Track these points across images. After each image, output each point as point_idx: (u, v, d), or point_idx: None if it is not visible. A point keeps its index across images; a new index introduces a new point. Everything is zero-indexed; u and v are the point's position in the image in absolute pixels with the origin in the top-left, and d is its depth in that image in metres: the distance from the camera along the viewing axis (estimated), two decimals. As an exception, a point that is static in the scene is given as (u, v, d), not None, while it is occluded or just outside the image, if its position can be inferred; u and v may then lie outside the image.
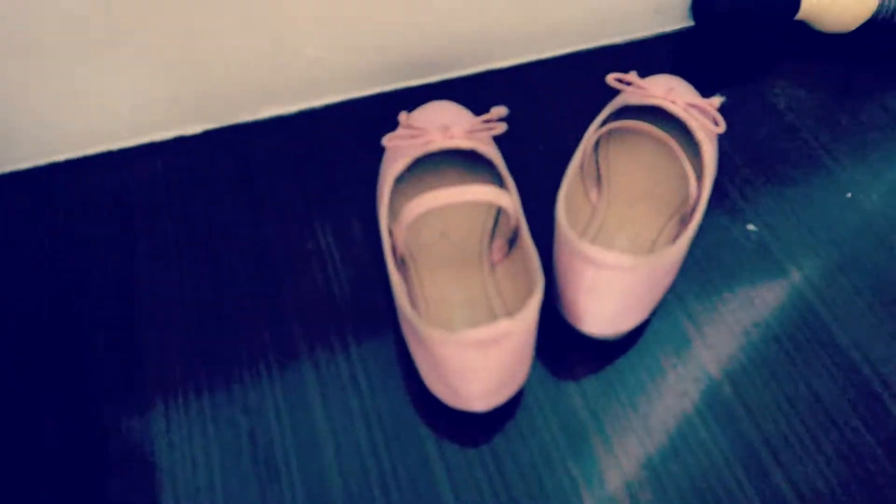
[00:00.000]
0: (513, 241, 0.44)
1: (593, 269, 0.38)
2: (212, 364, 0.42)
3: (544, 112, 0.55)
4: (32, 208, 0.48)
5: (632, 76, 0.49)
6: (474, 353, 0.35)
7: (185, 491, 0.37)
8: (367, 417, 0.40)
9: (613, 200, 0.48)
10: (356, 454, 0.39)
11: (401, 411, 0.40)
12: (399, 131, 0.46)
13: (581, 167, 0.47)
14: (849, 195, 0.51)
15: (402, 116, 0.47)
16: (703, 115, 0.48)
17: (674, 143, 0.45)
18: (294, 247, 0.47)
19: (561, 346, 0.43)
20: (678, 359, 0.43)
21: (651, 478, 0.38)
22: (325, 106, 0.55)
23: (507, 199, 0.40)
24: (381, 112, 0.52)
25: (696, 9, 0.61)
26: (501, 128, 0.46)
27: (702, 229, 0.48)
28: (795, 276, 0.47)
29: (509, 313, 0.42)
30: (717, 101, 0.49)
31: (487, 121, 0.47)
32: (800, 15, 0.60)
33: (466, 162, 0.49)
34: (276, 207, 0.49)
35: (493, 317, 0.42)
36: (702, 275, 0.46)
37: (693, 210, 0.44)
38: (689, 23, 0.62)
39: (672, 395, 0.41)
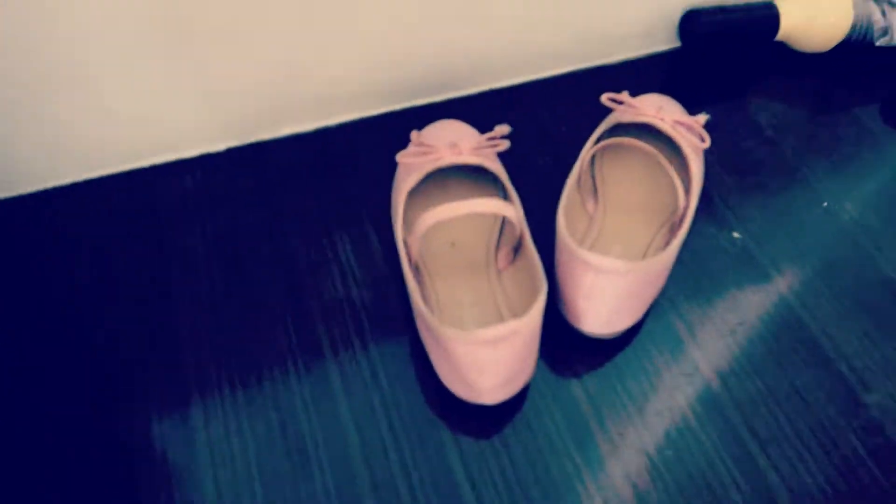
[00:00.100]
0: (517, 248, 0.48)
1: (592, 274, 0.42)
2: (244, 364, 0.45)
3: (543, 129, 0.59)
4: (75, 221, 0.52)
5: (624, 95, 0.53)
6: (486, 350, 0.39)
7: (225, 478, 0.41)
8: (387, 410, 0.44)
9: (609, 211, 0.52)
10: (379, 443, 0.42)
11: (418, 405, 0.44)
12: (410, 148, 0.50)
13: (578, 180, 0.51)
14: (825, 205, 0.55)
15: (414, 135, 0.51)
16: (689, 131, 0.52)
17: (663, 158, 0.49)
18: (315, 256, 0.51)
19: (563, 344, 0.47)
20: (670, 356, 0.47)
21: (647, 463, 0.42)
22: (339, 124, 0.59)
23: (512, 210, 0.44)
24: (391, 130, 0.56)
25: (683, 31, 0.65)
26: (505, 144, 0.50)
27: (690, 237, 0.52)
28: (777, 279, 0.51)
29: (515, 314, 0.46)
30: (702, 118, 0.53)
31: (492, 138, 0.51)
32: (779, 36, 0.65)
33: (473, 176, 0.53)
34: (297, 219, 0.53)
35: (500, 318, 0.46)
36: (691, 279, 0.50)
37: (682, 219, 0.48)
38: (677, 44, 0.66)
39: (665, 389, 0.45)
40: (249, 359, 0.45)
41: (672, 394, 0.45)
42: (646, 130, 0.54)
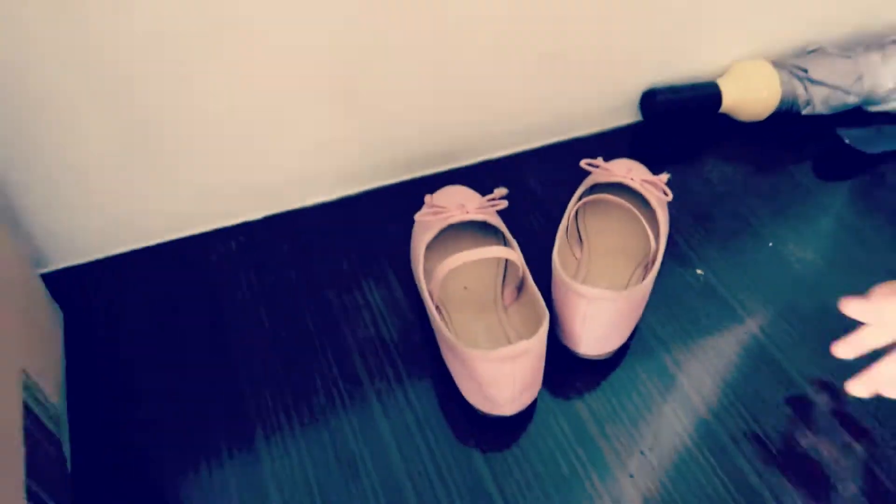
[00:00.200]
0: (520, 287, 0.57)
1: (585, 303, 0.52)
2: (296, 395, 0.53)
3: (534, 191, 0.70)
4: (142, 281, 0.60)
5: (599, 161, 0.64)
6: (503, 366, 0.48)
7: (290, 492, 0.48)
8: (421, 428, 0.51)
9: (593, 255, 0.62)
10: (417, 458, 0.50)
11: (447, 421, 0.52)
12: (425, 209, 0.60)
13: (566, 231, 0.62)
14: (770, 244, 0.66)
15: (428, 198, 0.61)
16: (655, 188, 0.63)
17: (635, 210, 0.60)
18: (348, 303, 0.59)
19: (563, 367, 0.55)
20: (653, 372, 0.56)
21: (640, 460, 0.50)
22: (360, 193, 0.69)
23: (514, 253, 0.54)
24: (407, 195, 0.66)
25: (644, 107, 0.77)
26: (503, 204, 0.60)
27: (660, 274, 0.61)
28: (735, 306, 0.61)
29: (522, 340, 0.55)
30: (664, 177, 0.64)
31: (492, 199, 0.61)
32: (722, 109, 0.77)
33: (479, 230, 0.62)
34: (330, 274, 0.62)
35: (509, 344, 0.55)
36: (664, 308, 0.60)
37: (653, 260, 0.58)
38: (639, 118, 0.79)
39: (651, 399, 0.54)
40: (300, 390, 0.53)
41: (656, 401, 0.54)
42: (619, 188, 0.64)
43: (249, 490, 0.48)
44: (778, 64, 0.77)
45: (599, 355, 0.55)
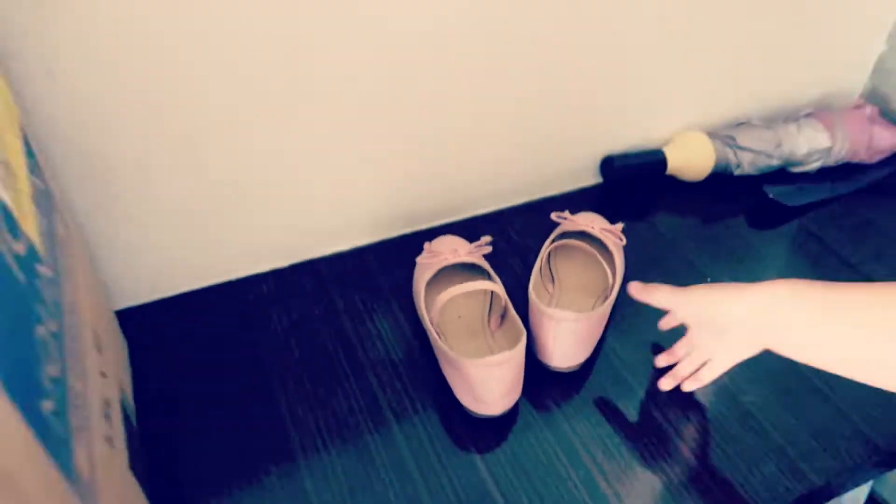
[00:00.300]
0: (503, 316, 0.70)
1: (554, 323, 0.65)
2: (322, 404, 0.65)
3: (513, 239, 0.84)
4: (190, 318, 0.73)
5: (566, 213, 0.78)
6: (491, 371, 0.60)
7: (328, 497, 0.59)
8: (428, 430, 0.63)
9: (562, 291, 0.76)
10: (421, 449, 0.61)
11: (445, 422, 0.64)
12: (425, 254, 0.74)
13: (540, 271, 0.75)
14: (708, 279, 0.80)
15: (426, 245, 0.75)
16: (612, 235, 0.77)
17: (596, 253, 0.74)
18: (362, 331, 0.72)
19: (539, 379, 0.67)
20: (613, 381, 0.68)
21: (603, 447, 0.62)
22: (369, 244, 0.82)
23: (499, 287, 0.67)
24: (408, 245, 0.79)
25: (603, 170, 0.92)
26: (488, 249, 0.74)
27: (617, 304, 0.75)
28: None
29: (506, 358, 0.67)
30: (620, 225, 0.78)
31: (479, 245, 0.75)
32: (668, 171, 0.93)
33: (469, 270, 0.76)
34: (346, 309, 0.74)
35: (496, 362, 0.67)
36: (622, 331, 0.73)
37: (611, 291, 0.72)
38: (600, 179, 0.94)
39: (611, 402, 0.66)
40: (324, 400, 0.65)
41: (616, 404, 0.66)
42: (583, 235, 0.79)
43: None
44: (712, 134, 0.93)
45: (569, 367, 0.67)
